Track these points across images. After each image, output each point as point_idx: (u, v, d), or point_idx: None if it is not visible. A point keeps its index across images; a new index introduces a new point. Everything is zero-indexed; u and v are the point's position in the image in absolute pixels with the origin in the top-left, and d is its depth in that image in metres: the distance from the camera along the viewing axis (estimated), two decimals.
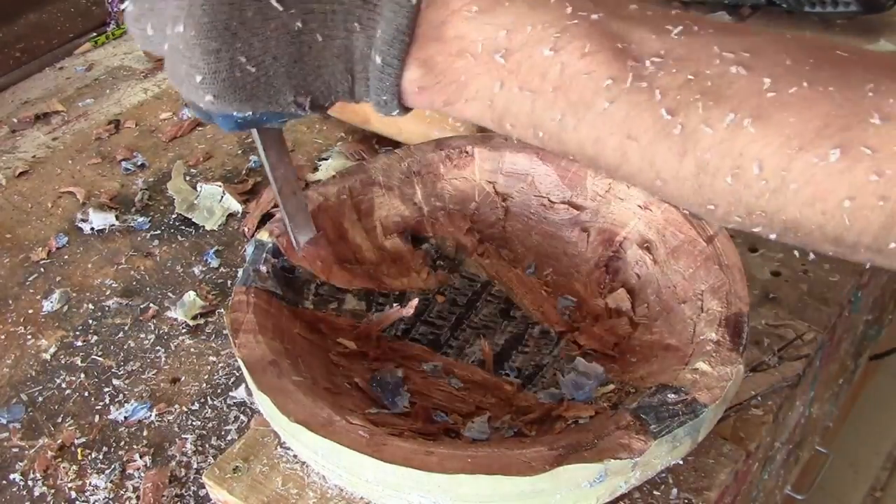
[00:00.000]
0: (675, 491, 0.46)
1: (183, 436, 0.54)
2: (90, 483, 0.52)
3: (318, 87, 0.41)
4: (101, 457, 0.54)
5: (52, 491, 0.52)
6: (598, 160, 0.38)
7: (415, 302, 0.54)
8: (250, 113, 0.42)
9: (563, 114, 0.37)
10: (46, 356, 0.61)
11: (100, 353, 0.61)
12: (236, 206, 0.72)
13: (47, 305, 0.65)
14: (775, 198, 0.34)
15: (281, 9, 0.39)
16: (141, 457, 0.53)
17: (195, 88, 0.40)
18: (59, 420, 0.56)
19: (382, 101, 0.40)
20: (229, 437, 0.54)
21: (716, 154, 0.35)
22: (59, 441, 0.54)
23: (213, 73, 0.39)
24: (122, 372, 0.59)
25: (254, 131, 0.50)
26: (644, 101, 0.35)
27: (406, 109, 0.41)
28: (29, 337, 0.63)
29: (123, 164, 0.79)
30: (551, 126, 0.38)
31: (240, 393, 0.56)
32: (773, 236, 0.36)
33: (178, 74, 0.40)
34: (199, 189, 0.74)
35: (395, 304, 0.56)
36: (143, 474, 0.52)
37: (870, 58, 0.36)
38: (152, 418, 0.56)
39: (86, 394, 0.58)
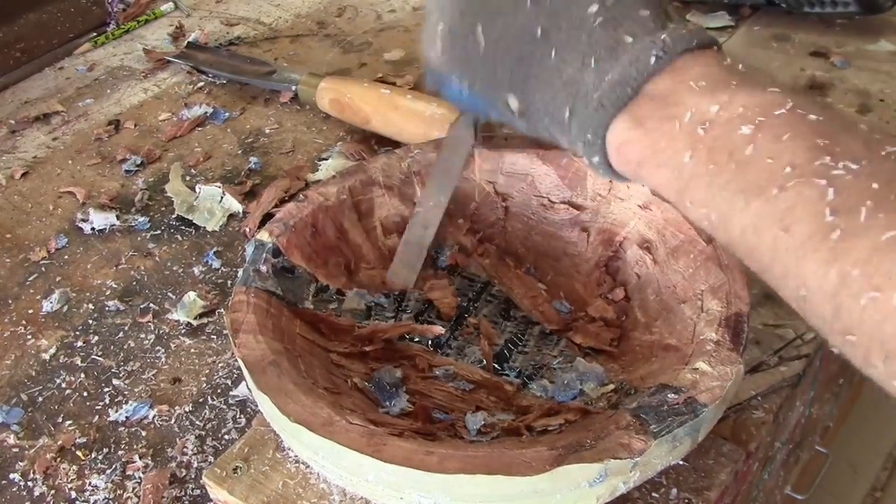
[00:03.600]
0: (675, 491, 0.46)
1: (183, 436, 0.54)
2: (90, 483, 0.52)
3: (536, 102, 0.43)
4: (100, 457, 0.54)
5: (52, 491, 0.52)
6: (754, 253, 0.35)
7: (439, 329, 0.54)
8: (466, 85, 0.45)
9: (734, 194, 0.35)
10: (46, 356, 0.61)
11: (100, 353, 0.61)
12: (237, 207, 0.72)
13: (47, 305, 0.65)
14: None
15: (529, 6, 0.41)
16: (141, 457, 0.53)
17: (434, 37, 0.45)
18: (59, 420, 0.56)
19: (587, 139, 0.41)
20: (229, 437, 0.54)
21: (862, 269, 0.30)
22: (59, 441, 0.54)
23: (450, 27, 0.44)
24: (122, 372, 0.59)
25: (448, 138, 0.56)
26: (813, 196, 0.32)
27: (605, 160, 0.41)
28: (29, 337, 0.63)
29: (123, 164, 0.79)
30: (722, 206, 0.36)
31: (241, 392, 0.56)
32: None
33: (429, 23, 0.45)
34: (197, 191, 0.74)
35: (395, 305, 0.56)
36: (143, 475, 0.52)
37: None
38: (152, 418, 0.56)
39: (86, 394, 0.58)
